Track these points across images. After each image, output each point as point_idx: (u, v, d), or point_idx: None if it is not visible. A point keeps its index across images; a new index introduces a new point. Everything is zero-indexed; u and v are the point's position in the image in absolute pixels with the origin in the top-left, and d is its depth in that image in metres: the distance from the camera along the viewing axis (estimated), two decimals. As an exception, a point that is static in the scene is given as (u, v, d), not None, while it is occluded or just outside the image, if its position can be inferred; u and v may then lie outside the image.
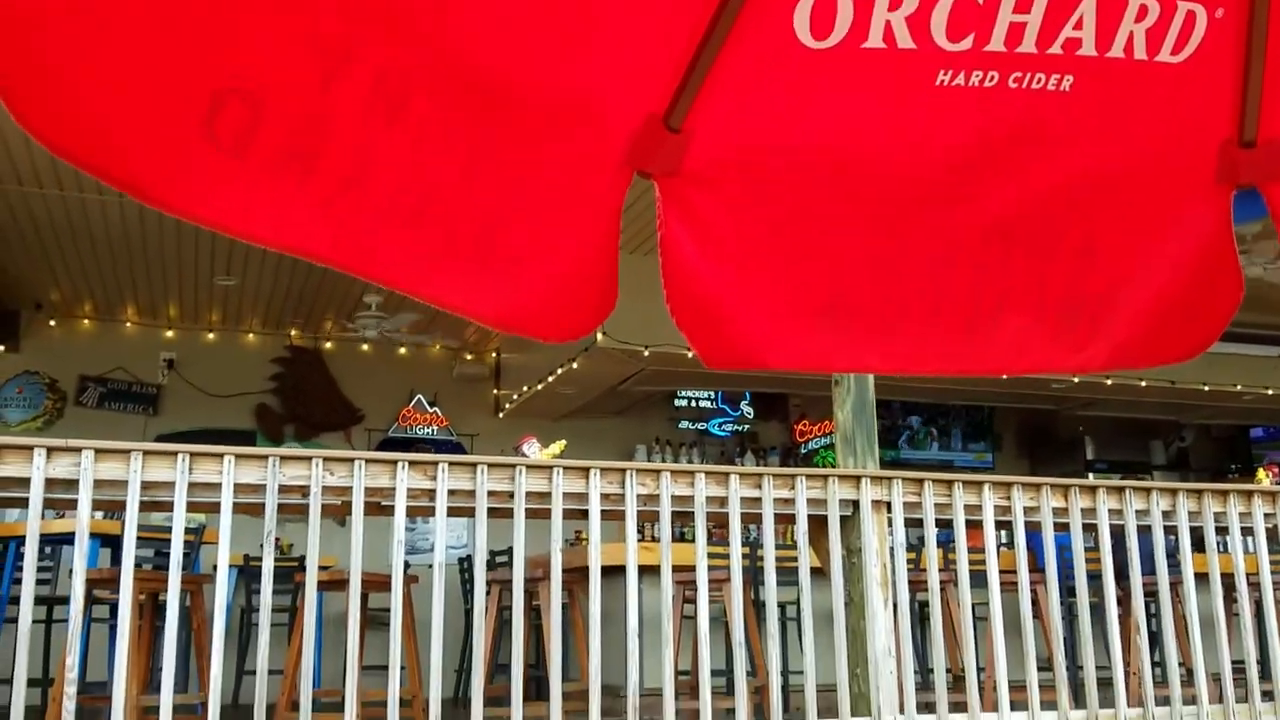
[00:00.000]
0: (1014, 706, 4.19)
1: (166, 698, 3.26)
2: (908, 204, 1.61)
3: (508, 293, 1.49)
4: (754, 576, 4.97)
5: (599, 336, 7.12)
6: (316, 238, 1.33)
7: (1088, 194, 1.67)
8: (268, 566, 3.44)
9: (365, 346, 8.69)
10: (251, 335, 8.98)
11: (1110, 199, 1.67)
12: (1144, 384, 8.26)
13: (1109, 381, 8.22)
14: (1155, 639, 5.42)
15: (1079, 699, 4.42)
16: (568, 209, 1.48)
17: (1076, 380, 8.22)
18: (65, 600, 5.69)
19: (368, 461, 3.60)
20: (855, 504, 4.19)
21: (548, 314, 1.56)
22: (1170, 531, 4.58)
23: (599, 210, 1.51)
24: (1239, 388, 8.61)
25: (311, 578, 3.45)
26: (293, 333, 9.01)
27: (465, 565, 7.17)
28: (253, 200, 1.27)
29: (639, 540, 3.89)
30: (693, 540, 4.03)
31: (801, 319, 1.57)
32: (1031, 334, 1.63)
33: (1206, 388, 8.50)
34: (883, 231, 1.61)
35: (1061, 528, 4.42)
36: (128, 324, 8.70)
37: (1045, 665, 4.70)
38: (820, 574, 4.18)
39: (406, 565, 3.73)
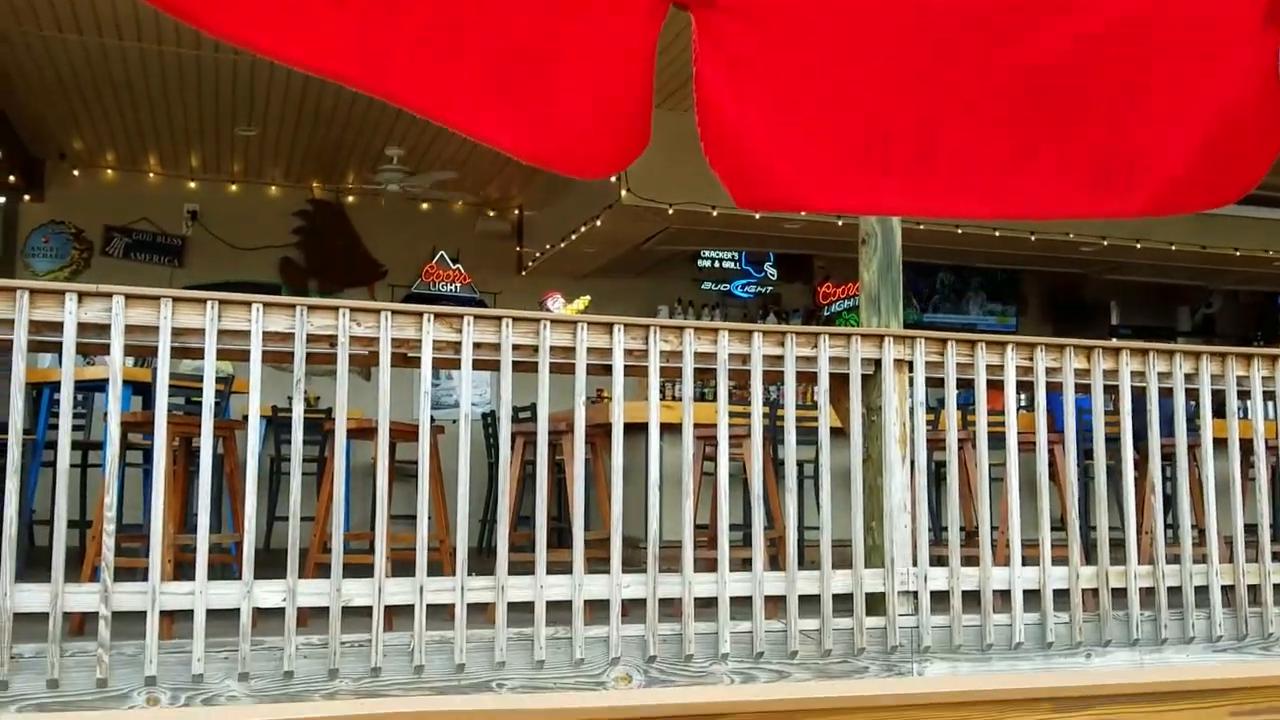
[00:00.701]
0: (1025, 562, 4.29)
1: (203, 536, 3.37)
2: (948, 44, 1.56)
3: (539, 126, 1.46)
4: (773, 435, 5.03)
5: (623, 194, 7.06)
6: (350, 61, 1.31)
7: (1131, 37, 1.62)
8: (298, 413, 3.50)
9: (387, 202, 8.65)
10: (273, 188, 8.94)
11: (1154, 42, 1.62)
12: (1174, 248, 8.16)
13: (1138, 245, 8.12)
14: (1169, 502, 5.49)
15: (1090, 557, 4.51)
16: (602, 41, 1.44)
17: (1106, 243, 8.13)
18: (99, 445, 5.83)
19: (394, 313, 3.63)
20: (877, 363, 4.20)
21: (579, 149, 1.53)
22: (1191, 395, 4.59)
23: (634, 44, 1.47)
24: (1270, 253, 8.50)
25: (341, 426, 3.51)
26: (314, 185, 8.98)
27: (489, 420, 7.29)
28: (289, 20, 1.25)
29: (660, 400, 3.93)
30: (714, 400, 4.07)
31: (838, 159, 1.54)
32: (1071, 178, 1.60)
33: (1238, 252, 8.40)
34: (922, 72, 1.57)
35: (1083, 389, 4.43)
36: (150, 174, 8.67)
37: (1058, 525, 4.78)
38: (839, 434, 4.23)
39: (431, 419, 3.78)
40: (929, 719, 1.56)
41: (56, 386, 5.27)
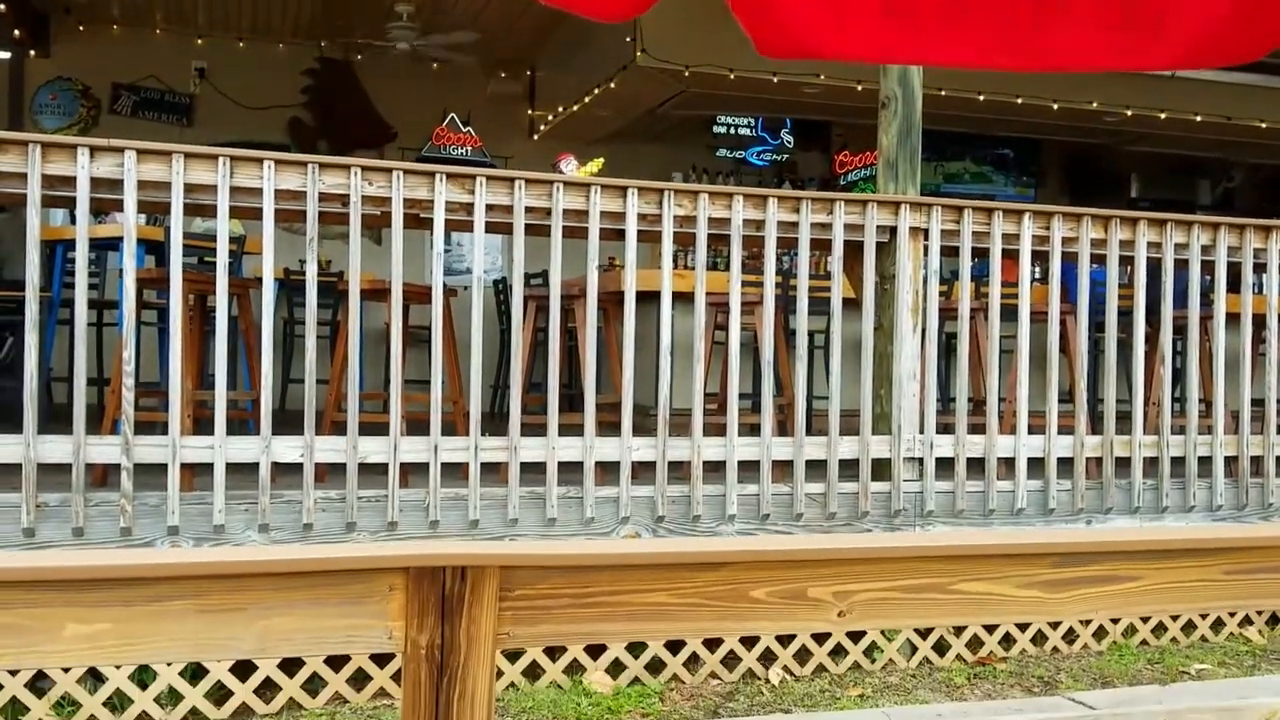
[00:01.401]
0: (1031, 431, 4.33)
1: (220, 391, 3.42)
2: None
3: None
4: (785, 305, 5.03)
5: (638, 54, 6.90)
6: None
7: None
8: (311, 272, 3.51)
9: (396, 62, 8.48)
10: (282, 46, 8.77)
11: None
12: (1198, 119, 7.99)
13: (1162, 115, 7.96)
14: (1178, 375, 5.51)
15: (1096, 427, 4.55)
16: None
17: (1129, 113, 7.96)
18: (113, 305, 5.87)
19: (406, 172, 3.60)
20: (893, 230, 4.17)
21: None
22: (1207, 269, 4.56)
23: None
24: (1296, 127, 8.32)
25: (354, 285, 3.52)
26: (323, 44, 8.80)
27: (500, 287, 7.29)
28: None
29: (672, 268, 3.92)
30: (726, 270, 4.06)
31: (862, 6, 1.50)
32: (1099, 28, 1.56)
33: (1263, 124, 8.23)
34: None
35: (1098, 260, 4.40)
36: (157, 30, 8.50)
37: (1066, 397, 4.82)
38: (851, 304, 4.22)
39: (443, 285, 3.79)
40: (929, 570, 1.60)
41: (69, 245, 5.29)
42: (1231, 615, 4.76)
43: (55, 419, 3.54)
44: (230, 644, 1.36)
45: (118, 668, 3.40)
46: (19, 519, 3.25)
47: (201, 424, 3.72)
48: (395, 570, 1.44)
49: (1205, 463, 4.57)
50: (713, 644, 4.06)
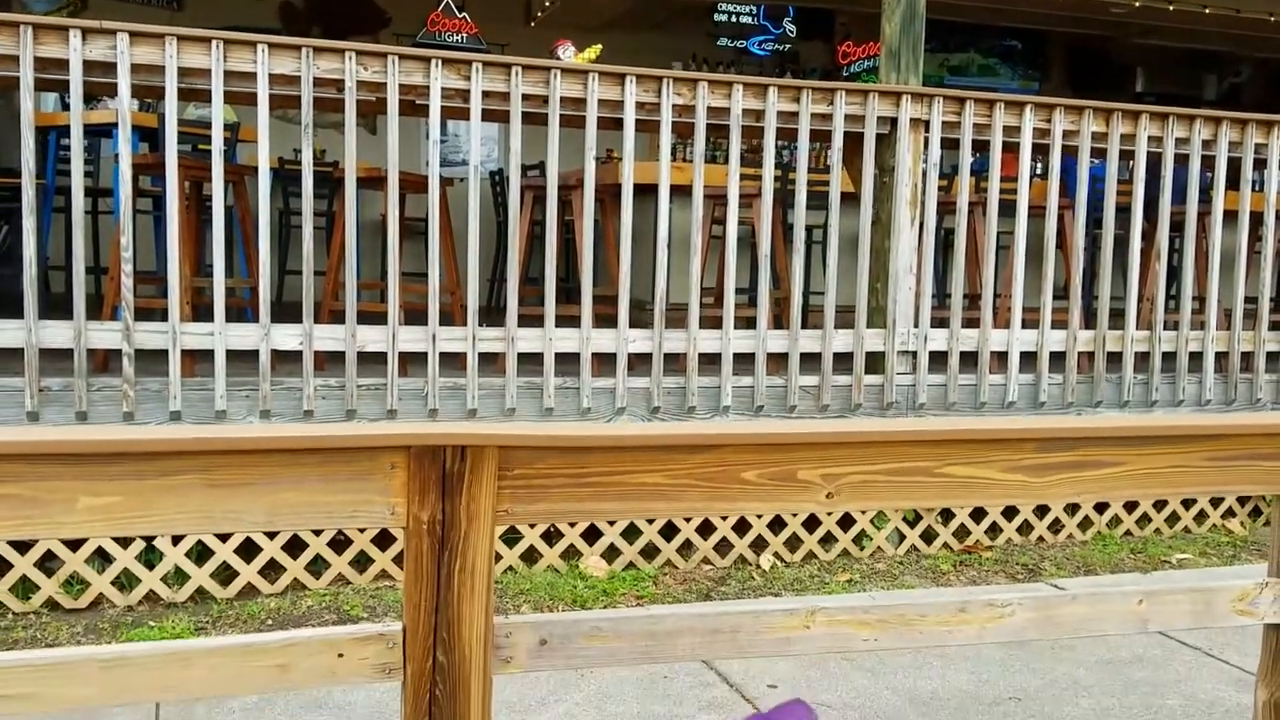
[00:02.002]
0: (1025, 325, 4.37)
1: (219, 278, 3.43)
2: None
3: None
4: (784, 200, 5.01)
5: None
6: None
7: None
8: (307, 158, 3.49)
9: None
10: (272, -72, 8.55)
11: None
12: (1207, 11, 7.86)
13: (1171, 7, 7.82)
14: (1174, 273, 5.52)
15: (1090, 323, 4.58)
16: None
17: (1137, 4, 7.82)
18: (108, 193, 5.84)
19: (401, 57, 3.55)
20: (893, 122, 4.14)
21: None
22: (1208, 165, 4.54)
23: None
24: (1307, 22, 8.18)
25: (351, 172, 3.51)
26: (315, -75, 8.58)
27: (497, 180, 7.24)
28: None
29: (671, 161, 3.90)
30: (725, 163, 4.03)
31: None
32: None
33: (1272, 18, 8.09)
34: None
35: (1099, 155, 4.38)
36: (143, -90, 8.27)
37: (1061, 294, 4.84)
38: (849, 199, 4.21)
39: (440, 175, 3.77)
40: (916, 454, 1.64)
41: (62, 132, 5.24)
42: (1215, 507, 4.87)
43: (53, 308, 3.56)
44: (238, 517, 1.40)
45: (124, 548, 3.48)
46: (22, 403, 3.30)
47: (200, 311, 3.74)
48: (397, 449, 1.48)
49: (1196, 359, 4.61)
50: (705, 530, 4.15)
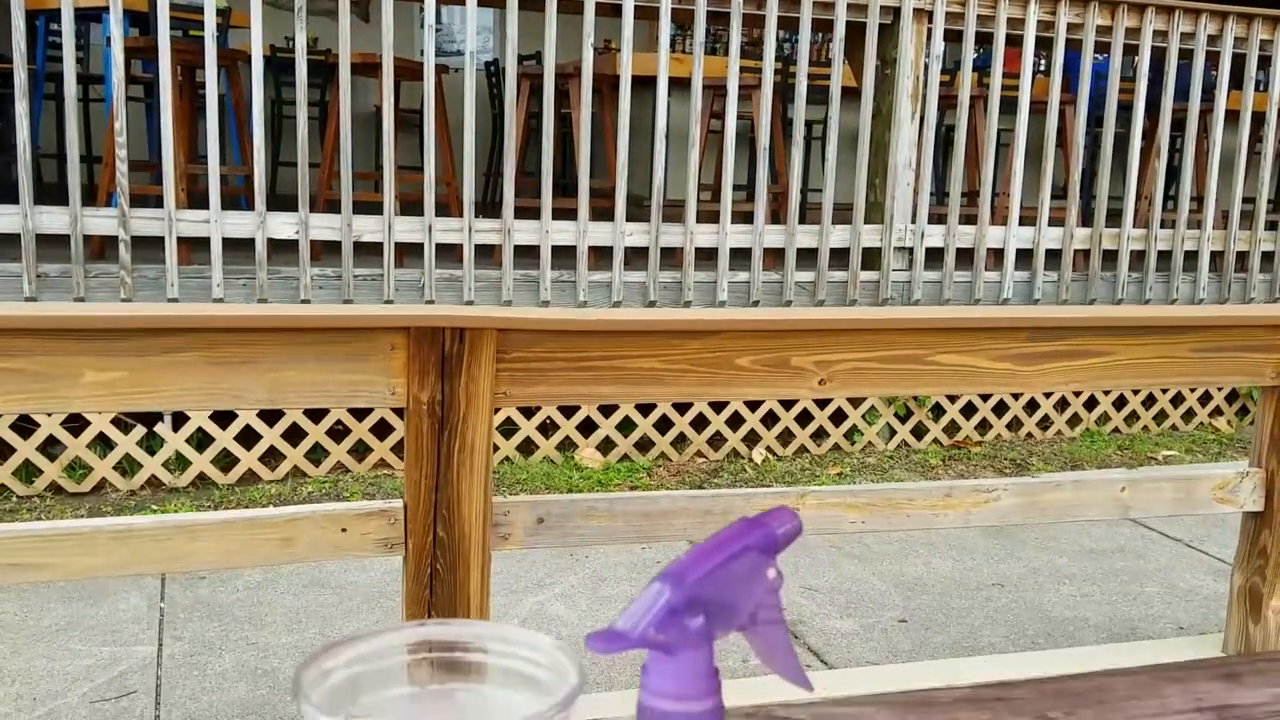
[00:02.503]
0: (1022, 223, 4.37)
1: (213, 165, 3.41)
2: None
3: None
4: (784, 94, 4.95)
5: None
6: None
7: None
8: (301, 42, 3.44)
9: None
10: None
11: None
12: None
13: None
14: (1174, 174, 5.49)
15: (1087, 221, 4.57)
16: None
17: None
18: (99, 79, 5.75)
19: (396, -59, 3.47)
20: (896, 11, 4.08)
21: None
22: (1212, 62, 4.48)
23: None
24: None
25: (345, 55, 3.46)
26: None
27: (492, 70, 7.12)
28: None
29: (670, 52, 3.84)
30: (725, 55, 3.97)
31: None
32: None
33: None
34: None
35: (1103, 49, 4.33)
36: None
37: (1060, 193, 4.82)
38: (850, 95, 4.17)
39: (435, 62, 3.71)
40: (907, 342, 1.67)
41: (52, 16, 5.14)
42: (1203, 405, 4.93)
43: (47, 196, 3.54)
44: (241, 394, 1.43)
45: (125, 433, 3.53)
46: (21, 289, 3.31)
47: (195, 199, 3.72)
48: (396, 330, 1.50)
49: (1191, 258, 4.63)
50: (699, 424, 4.21)
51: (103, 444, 3.55)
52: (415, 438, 1.54)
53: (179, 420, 3.59)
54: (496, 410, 1.59)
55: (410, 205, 3.85)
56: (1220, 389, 4.88)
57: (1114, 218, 4.44)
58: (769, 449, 4.26)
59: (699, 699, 0.37)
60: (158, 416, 3.59)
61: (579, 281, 3.86)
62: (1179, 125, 4.64)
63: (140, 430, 3.56)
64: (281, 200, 4.03)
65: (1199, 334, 1.77)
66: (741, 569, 0.36)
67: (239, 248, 3.52)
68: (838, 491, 1.79)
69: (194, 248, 3.56)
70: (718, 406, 4.20)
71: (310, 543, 1.53)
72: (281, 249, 3.60)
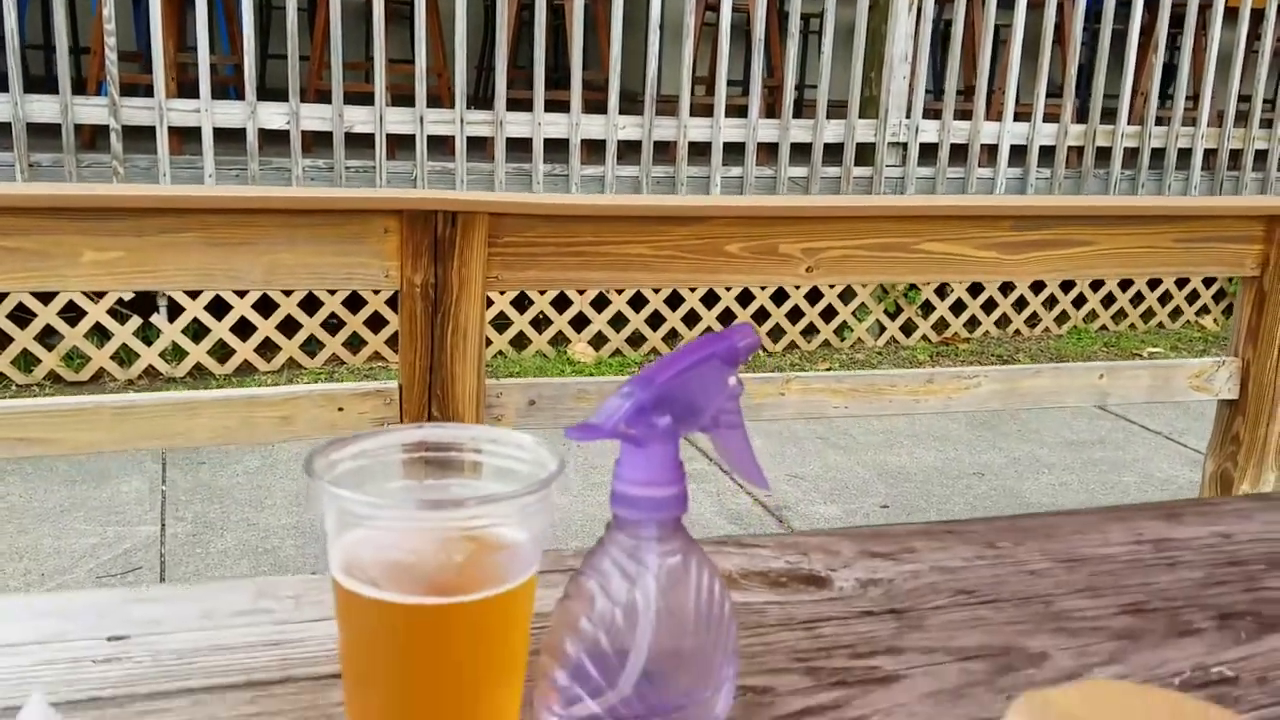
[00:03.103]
0: (1017, 119, 4.35)
1: (203, 54, 3.38)
2: None
3: None
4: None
5: None
6: None
7: None
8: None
9: None
10: None
11: None
12: None
13: None
14: (1170, 73, 5.44)
15: (1083, 118, 4.55)
16: None
17: None
18: (83, -34, 5.62)
19: None
20: (894, -98, 4.01)
21: None
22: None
23: None
24: None
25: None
26: None
27: (485, -43, 6.97)
28: None
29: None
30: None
31: None
32: None
33: None
34: None
35: (1104, -59, 4.26)
36: None
37: (1056, 92, 4.78)
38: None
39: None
40: (893, 230, 1.69)
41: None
42: (1190, 304, 4.97)
43: (34, 87, 3.50)
44: (238, 275, 1.46)
45: (122, 324, 3.56)
46: (13, 178, 3.30)
47: (185, 89, 3.69)
48: (390, 213, 1.52)
49: (1184, 156, 4.62)
50: (691, 320, 4.24)
51: (100, 334, 3.58)
52: (409, 320, 1.57)
53: (175, 311, 3.62)
54: (490, 304, 1.62)
55: (402, 99, 3.82)
56: (1207, 286, 4.92)
57: (1109, 116, 4.42)
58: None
59: (664, 486, 0.42)
60: (154, 307, 3.62)
61: (571, 175, 3.86)
62: (1178, 22, 4.59)
63: (136, 321, 3.58)
64: (272, 93, 4.00)
65: (1181, 224, 1.80)
66: (705, 375, 0.41)
67: (230, 139, 3.51)
68: (822, 377, 1.83)
69: (185, 138, 3.55)
70: (709, 301, 4.23)
71: (308, 421, 1.57)
72: (273, 140, 3.59)
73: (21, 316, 3.48)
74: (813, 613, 0.60)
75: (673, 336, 4.23)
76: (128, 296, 3.54)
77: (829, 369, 4.15)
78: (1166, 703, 0.45)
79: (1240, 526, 0.70)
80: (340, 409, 1.60)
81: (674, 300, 4.19)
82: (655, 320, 4.20)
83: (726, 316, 4.27)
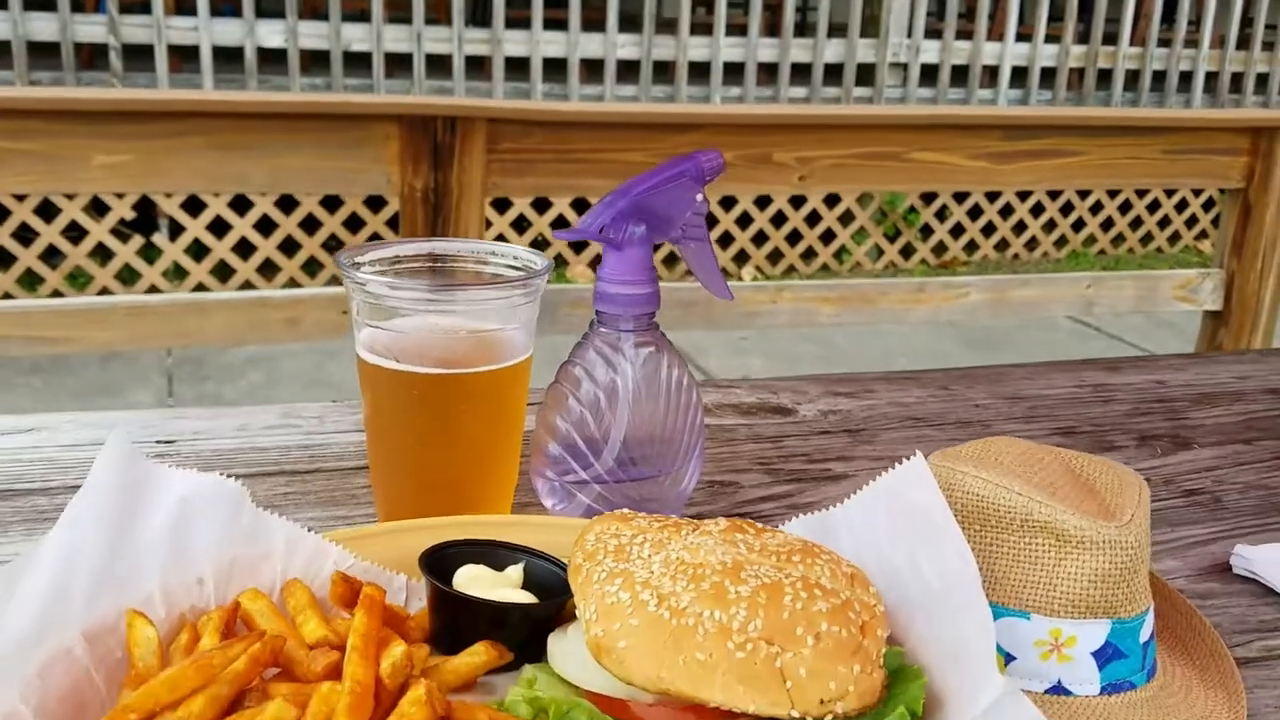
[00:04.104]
0: (1019, 40, 4.33)
1: (200, -27, 3.37)
2: None
3: None
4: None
5: None
6: None
7: None
8: None
9: None
10: None
11: None
12: None
13: None
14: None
15: (1085, 39, 4.53)
16: None
17: None
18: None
19: None
20: None
21: None
22: None
23: None
24: None
25: None
26: None
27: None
28: None
29: None
30: None
31: None
32: None
33: None
34: None
35: None
36: None
37: (1058, 15, 4.75)
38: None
39: None
40: (885, 139, 1.73)
41: None
42: (1189, 228, 4.99)
43: (36, 4, 3.49)
44: (244, 179, 1.50)
45: (124, 243, 3.59)
46: (13, 97, 3.31)
47: (183, 7, 3.69)
48: (391, 119, 1.55)
49: (1186, 79, 4.61)
50: (690, 241, 4.26)
51: (102, 254, 3.61)
52: (410, 225, 1.61)
53: (176, 231, 3.65)
54: (489, 226, 1.65)
55: (399, 18, 3.80)
56: (1206, 211, 4.93)
57: (1111, 39, 4.40)
58: (758, 268, 4.34)
59: (639, 285, 0.48)
60: (155, 226, 3.65)
61: (570, 95, 3.86)
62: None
63: (139, 240, 3.61)
64: (269, 11, 3.98)
65: (1169, 135, 1.83)
66: (674, 190, 0.47)
67: (229, 59, 3.51)
68: (814, 285, 1.88)
69: (184, 57, 3.55)
70: (707, 222, 4.25)
71: (313, 324, 1.62)
72: (271, 60, 3.59)
73: (25, 236, 3.51)
74: (777, 431, 0.71)
75: (671, 259, 4.26)
76: (129, 216, 3.57)
77: (826, 291, 4.19)
78: (1059, 455, 0.51)
79: (1173, 376, 0.80)
80: (344, 311, 1.64)
81: (673, 222, 4.20)
82: (654, 242, 4.21)
83: (725, 239, 4.29)
